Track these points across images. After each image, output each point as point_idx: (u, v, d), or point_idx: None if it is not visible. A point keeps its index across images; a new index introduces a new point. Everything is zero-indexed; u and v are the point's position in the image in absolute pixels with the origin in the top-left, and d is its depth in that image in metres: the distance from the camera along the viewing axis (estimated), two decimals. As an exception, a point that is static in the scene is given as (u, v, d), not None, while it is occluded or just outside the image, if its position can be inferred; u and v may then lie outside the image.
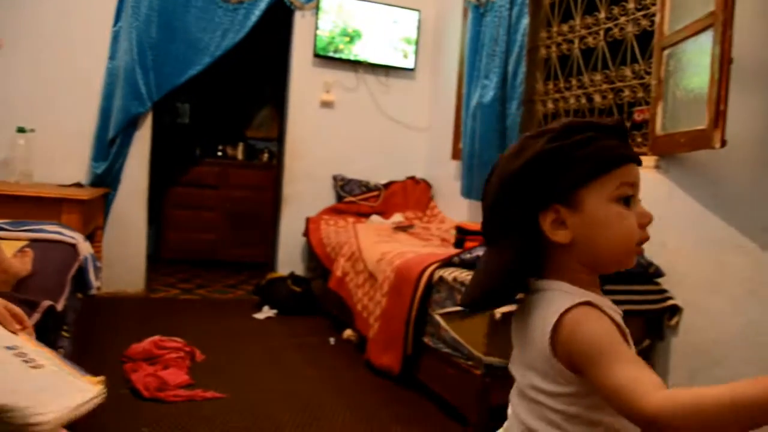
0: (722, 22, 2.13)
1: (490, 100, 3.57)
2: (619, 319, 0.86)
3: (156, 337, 2.87)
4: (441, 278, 2.48)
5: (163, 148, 4.98)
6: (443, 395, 2.48)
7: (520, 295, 0.94)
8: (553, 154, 0.85)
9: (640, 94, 2.89)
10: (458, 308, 2.33)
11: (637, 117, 2.94)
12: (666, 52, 2.55)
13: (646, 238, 0.89)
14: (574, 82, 3.36)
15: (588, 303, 0.83)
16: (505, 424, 0.97)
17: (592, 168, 0.85)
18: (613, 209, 0.86)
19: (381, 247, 3.19)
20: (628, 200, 0.87)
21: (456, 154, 4.21)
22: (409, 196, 4.68)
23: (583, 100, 3.27)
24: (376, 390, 2.69)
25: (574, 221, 0.86)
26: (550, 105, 3.55)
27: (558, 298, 0.85)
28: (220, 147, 5.94)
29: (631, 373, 0.74)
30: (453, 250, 2.87)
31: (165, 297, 4.26)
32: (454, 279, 2.38)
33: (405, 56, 4.78)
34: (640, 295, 2.32)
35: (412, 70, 4.84)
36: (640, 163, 0.89)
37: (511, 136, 3.47)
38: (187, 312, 3.85)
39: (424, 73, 4.91)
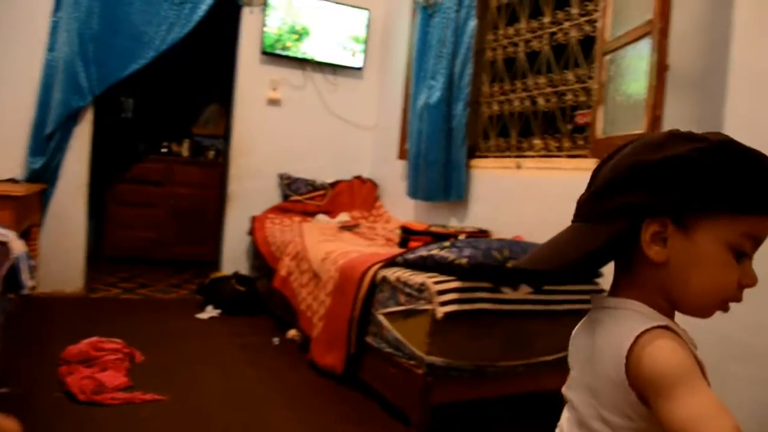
0: (659, 30, 2.19)
1: (436, 101, 3.59)
2: (696, 352, 0.76)
3: (94, 339, 2.79)
4: (384, 278, 2.49)
5: (106, 143, 4.85)
6: (386, 395, 2.48)
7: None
8: (695, 164, 0.74)
9: (582, 98, 2.96)
10: (401, 308, 2.34)
11: (579, 120, 3.00)
12: (607, 58, 2.61)
13: (738, 300, 0.78)
14: (519, 84, 3.41)
15: (666, 327, 0.74)
16: None
17: (727, 201, 0.74)
18: (722, 255, 0.75)
19: (325, 246, 3.18)
20: (741, 254, 0.76)
21: (402, 154, 4.23)
22: (355, 195, 4.68)
23: (527, 103, 3.33)
24: (319, 390, 2.68)
25: (678, 245, 0.76)
26: (495, 107, 3.61)
27: (632, 318, 0.76)
28: (165, 143, 5.81)
29: (706, 411, 0.66)
30: (397, 250, 2.88)
31: (105, 297, 4.14)
32: (397, 279, 2.39)
33: (353, 55, 4.77)
34: (579, 295, 2.36)
35: (360, 69, 4.83)
36: None
37: (457, 136, 3.51)
38: (127, 312, 3.75)
39: (372, 72, 4.91)
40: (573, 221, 0.84)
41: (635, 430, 0.75)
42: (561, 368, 2.61)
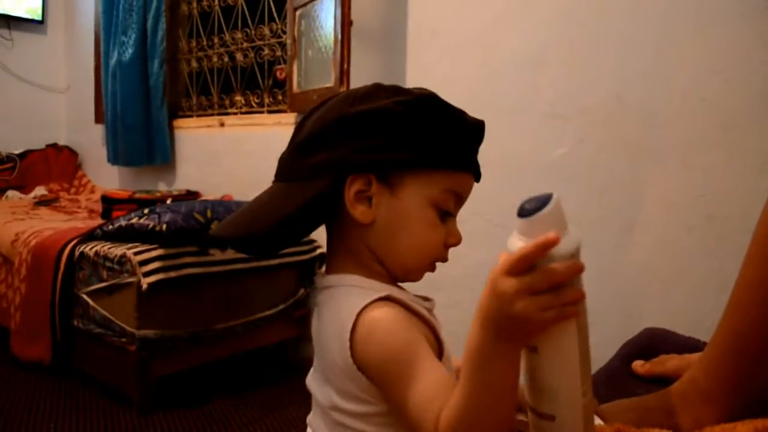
0: (342, -15, 2.27)
1: (130, 59, 3.35)
2: (425, 312, 0.71)
3: None
4: (83, 254, 2.29)
5: None
6: (102, 378, 2.32)
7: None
8: (395, 117, 0.69)
9: (279, 53, 2.98)
10: (104, 284, 2.19)
11: (279, 75, 3.03)
12: (298, 12, 2.65)
13: (444, 260, 0.75)
14: (216, 40, 3.33)
15: (388, 297, 0.68)
16: None
17: (432, 156, 0.70)
18: (426, 214, 0.71)
19: (15, 226, 2.83)
20: (446, 213, 0.73)
21: (100, 118, 3.90)
22: (51, 166, 4.21)
23: (226, 59, 3.27)
24: (27, 387, 2.40)
25: (384, 203, 0.70)
26: (194, 63, 3.48)
27: (350, 296, 0.69)
28: None
29: (423, 397, 0.62)
30: (99, 222, 2.67)
31: None
32: (96, 253, 2.22)
33: (30, 8, 4.22)
34: (293, 247, 2.42)
35: (41, 22, 4.30)
36: (478, 180, 0.75)
37: (155, 95, 3.32)
38: None
39: (56, 27, 4.41)
40: (274, 181, 0.76)
41: (377, 414, 0.68)
42: (279, 322, 2.68)
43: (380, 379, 0.65)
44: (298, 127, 0.75)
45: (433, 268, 0.75)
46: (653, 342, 1.11)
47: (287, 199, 0.71)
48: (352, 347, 0.65)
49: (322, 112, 0.73)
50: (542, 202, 0.49)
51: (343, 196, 0.70)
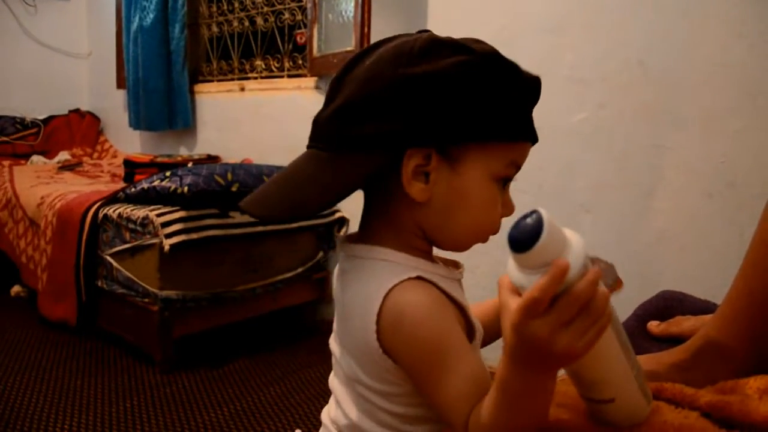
0: (362, -51, 2.25)
1: (151, 24, 3.36)
2: (456, 293, 0.65)
3: None
4: (106, 216, 2.33)
5: None
6: (126, 338, 2.38)
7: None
8: (463, 83, 0.60)
9: (299, 17, 2.97)
10: (127, 245, 2.22)
11: (299, 40, 3.02)
12: (318, -24, 2.63)
13: (497, 231, 0.68)
14: (236, 4, 3.32)
15: (418, 278, 0.62)
16: (328, 410, 0.76)
17: (499, 127, 0.63)
18: (490, 190, 0.65)
19: (40, 190, 2.89)
20: (506, 183, 0.67)
21: (121, 83, 3.92)
22: (74, 131, 4.26)
23: (246, 23, 3.27)
24: (54, 346, 2.47)
25: (442, 180, 0.63)
26: (214, 28, 3.48)
27: (379, 269, 0.64)
28: None
29: (455, 394, 0.59)
30: (121, 186, 2.71)
31: None
32: (119, 215, 2.26)
33: (53, -27, 4.24)
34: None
35: (63, -12, 4.32)
36: (535, 143, 0.68)
37: (176, 60, 3.34)
38: None
39: (77, -8, 4.42)
40: (312, 146, 0.66)
41: (403, 395, 0.64)
42: (298, 285, 2.71)
43: (408, 366, 0.61)
44: (337, 85, 0.66)
45: (485, 241, 0.69)
46: (669, 304, 1.11)
47: (337, 174, 0.62)
48: (378, 330, 0.61)
49: (368, 70, 0.63)
50: (533, 228, 0.46)
51: (393, 169, 0.62)
